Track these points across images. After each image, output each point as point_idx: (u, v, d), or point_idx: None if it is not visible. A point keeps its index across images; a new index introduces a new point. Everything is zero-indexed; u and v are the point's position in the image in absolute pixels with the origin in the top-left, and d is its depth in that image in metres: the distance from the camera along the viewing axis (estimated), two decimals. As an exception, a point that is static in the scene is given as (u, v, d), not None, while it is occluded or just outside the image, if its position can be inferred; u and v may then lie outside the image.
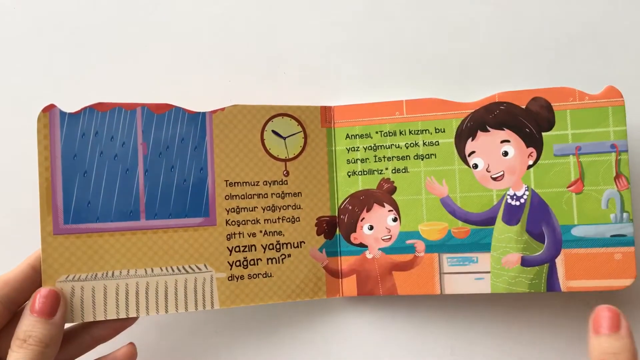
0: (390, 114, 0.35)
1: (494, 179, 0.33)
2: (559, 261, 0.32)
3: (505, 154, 0.32)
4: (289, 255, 0.35)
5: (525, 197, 0.32)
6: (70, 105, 0.31)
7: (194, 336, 0.37)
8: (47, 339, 0.28)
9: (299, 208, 0.35)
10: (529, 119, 0.32)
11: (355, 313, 0.37)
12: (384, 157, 0.35)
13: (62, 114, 0.31)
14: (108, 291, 0.31)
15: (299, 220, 0.35)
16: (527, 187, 0.32)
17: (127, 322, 0.32)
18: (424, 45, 0.38)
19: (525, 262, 0.32)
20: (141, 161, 0.32)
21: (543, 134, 0.32)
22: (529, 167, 0.32)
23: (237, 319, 0.37)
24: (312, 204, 0.35)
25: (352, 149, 0.35)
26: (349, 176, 0.35)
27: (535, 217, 0.32)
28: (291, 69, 0.38)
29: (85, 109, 0.31)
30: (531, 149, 0.32)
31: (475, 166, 0.33)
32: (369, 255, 0.35)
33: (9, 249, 0.34)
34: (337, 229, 0.36)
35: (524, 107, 0.32)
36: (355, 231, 0.35)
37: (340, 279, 0.35)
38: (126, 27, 0.38)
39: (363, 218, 0.35)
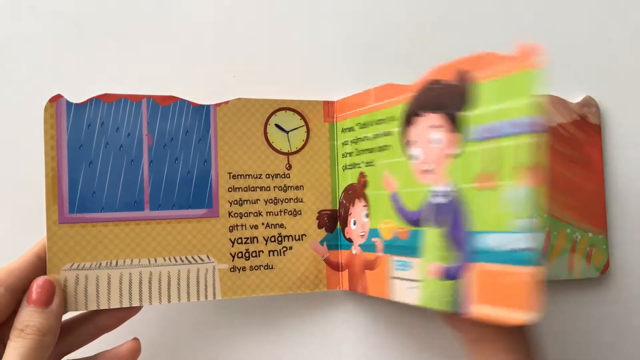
0: (363, 104, 0.33)
1: (424, 171, 0.27)
2: (470, 277, 0.24)
3: (435, 141, 0.26)
4: (291, 248, 0.35)
5: (449, 194, 0.26)
6: (76, 96, 0.32)
7: (196, 329, 0.37)
8: (45, 328, 0.28)
9: (301, 201, 0.36)
10: (457, 98, 0.25)
11: (354, 305, 0.38)
12: (361, 149, 0.34)
13: (69, 104, 0.31)
14: (112, 280, 0.31)
15: (301, 214, 0.36)
16: (453, 182, 0.26)
17: (131, 311, 0.32)
18: (424, 40, 0.39)
19: (442, 273, 0.26)
20: (146, 152, 0.33)
21: (463, 115, 0.25)
22: (452, 156, 0.25)
23: (239, 312, 0.37)
24: (314, 197, 0.36)
25: (344, 143, 0.35)
26: (344, 170, 0.36)
27: (456, 220, 0.25)
28: (295, 65, 0.39)
29: (91, 99, 0.32)
30: (457, 134, 0.25)
31: (414, 157, 0.28)
32: (353, 251, 0.35)
33: (15, 237, 0.34)
34: (338, 223, 0.36)
35: (457, 83, 0.25)
36: (347, 225, 0.36)
37: (340, 272, 0.36)
38: (132, 22, 0.38)
39: (351, 213, 0.35)
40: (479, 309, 0.24)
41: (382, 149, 0.31)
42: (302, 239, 0.35)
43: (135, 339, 0.32)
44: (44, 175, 0.31)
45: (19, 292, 0.29)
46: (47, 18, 0.38)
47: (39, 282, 0.29)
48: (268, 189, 0.35)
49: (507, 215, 0.22)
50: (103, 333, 0.32)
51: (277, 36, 0.39)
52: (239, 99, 0.35)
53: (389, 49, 0.39)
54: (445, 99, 0.25)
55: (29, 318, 0.28)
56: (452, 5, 0.39)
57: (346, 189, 0.36)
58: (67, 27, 0.38)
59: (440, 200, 0.26)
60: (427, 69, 0.38)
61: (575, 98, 0.36)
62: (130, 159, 0.32)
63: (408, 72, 0.38)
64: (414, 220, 0.28)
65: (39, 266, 0.30)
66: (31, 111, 0.35)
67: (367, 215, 0.33)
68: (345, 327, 0.37)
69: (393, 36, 0.39)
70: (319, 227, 0.36)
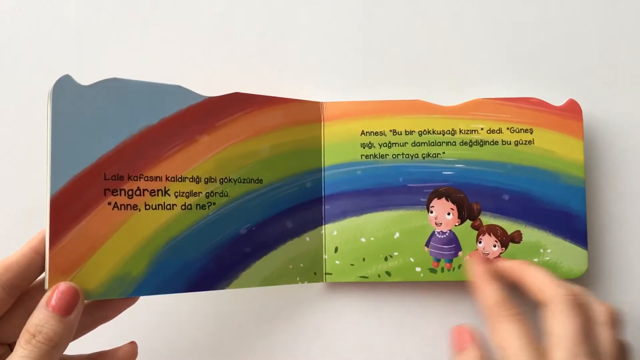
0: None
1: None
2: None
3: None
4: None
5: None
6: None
7: (193, 321, 0.38)
8: (57, 338, 0.27)
9: None
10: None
11: (344, 298, 0.39)
12: None
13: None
14: None
15: None
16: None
17: (128, 301, 0.32)
18: (420, 45, 0.40)
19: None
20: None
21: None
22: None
23: (234, 304, 0.39)
24: None
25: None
26: None
27: None
28: (287, 68, 0.40)
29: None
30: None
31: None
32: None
33: (18, 227, 0.34)
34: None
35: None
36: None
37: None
38: (129, 26, 0.40)
39: None
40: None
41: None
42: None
43: (133, 342, 0.32)
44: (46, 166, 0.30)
45: (15, 288, 0.29)
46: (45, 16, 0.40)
47: (61, 287, 0.28)
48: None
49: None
50: (100, 324, 0.32)
51: (271, 41, 0.40)
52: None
53: (383, 54, 0.40)
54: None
55: (43, 323, 0.27)
56: (448, 9, 0.40)
57: None
58: (72, 15, 0.40)
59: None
60: (418, 71, 0.40)
61: (558, 101, 0.38)
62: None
63: (398, 76, 0.40)
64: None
65: (37, 261, 0.29)
66: (38, 94, 0.34)
67: None
68: (335, 319, 0.39)
69: (387, 41, 0.40)
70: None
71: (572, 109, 0.37)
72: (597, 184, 0.39)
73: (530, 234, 0.37)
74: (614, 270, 0.38)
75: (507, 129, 0.37)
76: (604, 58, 0.40)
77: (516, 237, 0.37)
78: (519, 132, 0.37)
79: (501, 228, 0.37)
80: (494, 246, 0.37)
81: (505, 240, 0.37)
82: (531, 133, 0.37)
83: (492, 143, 0.37)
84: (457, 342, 0.30)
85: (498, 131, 0.37)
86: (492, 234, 0.37)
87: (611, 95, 0.40)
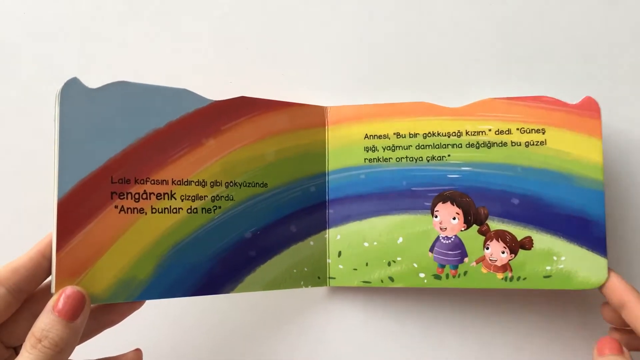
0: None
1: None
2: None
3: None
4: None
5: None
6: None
7: (196, 327, 0.39)
8: (63, 343, 0.27)
9: None
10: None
11: (348, 301, 0.39)
12: None
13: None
14: None
15: None
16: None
17: (134, 305, 0.32)
18: (420, 47, 0.40)
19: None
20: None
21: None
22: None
23: (237, 309, 0.39)
24: None
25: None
26: None
27: None
28: (291, 72, 0.41)
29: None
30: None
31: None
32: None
33: (25, 231, 0.34)
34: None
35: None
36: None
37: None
38: (135, 30, 0.41)
39: None
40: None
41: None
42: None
43: (138, 350, 0.32)
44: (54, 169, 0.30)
45: (22, 292, 0.29)
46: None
47: (68, 291, 0.28)
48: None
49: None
50: (105, 328, 0.32)
51: (273, 44, 0.41)
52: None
53: (384, 56, 0.40)
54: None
55: (49, 328, 0.27)
56: (451, 8, 0.40)
57: None
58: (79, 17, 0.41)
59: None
60: (421, 73, 0.39)
61: (574, 99, 0.36)
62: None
63: (402, 79, 0.39)
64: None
65: (44, 265, 0.30)
66: (46, 97, 0.35)
67: None
68: (338, 324, 0.39)
69: (389, 43, 0.40)
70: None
71: (589, 107, 0.35)
72: (617, 186, 0.37)
73: (542, 240, 0.35)
74: (637, 279, 0.37)
75: (517, 129, 0.36)
76: (622, 54, 0.38)
77: (526, 244, 0.35)
78: (529, 132, 0.36)
79: (510, 233, 0.36)
80: (503, 253, 0.36)
81: (515, 246, 0.36)
82: (543, 133, 0.35)
83: (500, 144, 0.36)
84: (609, 345, 0.29)
85: (507, 132, 0.36)
86: (500, 240, 0.36)
87: (629, 93, 0.38)
